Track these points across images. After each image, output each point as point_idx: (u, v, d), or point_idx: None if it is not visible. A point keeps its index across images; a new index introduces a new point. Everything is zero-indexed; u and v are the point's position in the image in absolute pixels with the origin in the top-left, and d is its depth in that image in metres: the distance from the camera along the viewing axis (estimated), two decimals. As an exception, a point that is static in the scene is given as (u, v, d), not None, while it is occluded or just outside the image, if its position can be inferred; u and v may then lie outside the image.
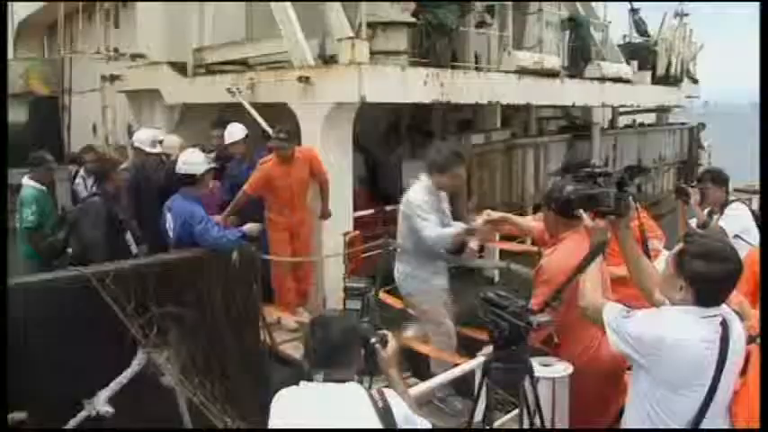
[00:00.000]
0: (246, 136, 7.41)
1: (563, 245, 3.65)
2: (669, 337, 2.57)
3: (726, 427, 2.65)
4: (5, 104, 8.30)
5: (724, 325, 2.60)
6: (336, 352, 2.60)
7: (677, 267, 2.66)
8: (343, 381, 2.57)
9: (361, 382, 2.70)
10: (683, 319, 2.60)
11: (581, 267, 3.12)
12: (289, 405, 2.59)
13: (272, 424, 2.60)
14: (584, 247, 3.20)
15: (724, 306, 2.66)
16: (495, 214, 4.63)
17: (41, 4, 13.26)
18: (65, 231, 6.41)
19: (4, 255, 5.59)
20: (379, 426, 2.48)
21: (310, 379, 2.62)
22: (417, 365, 6.50)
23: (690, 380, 2.58)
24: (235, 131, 7.49)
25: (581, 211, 3.19)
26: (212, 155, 6.84)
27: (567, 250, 3.55)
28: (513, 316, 2.58)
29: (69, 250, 6.32)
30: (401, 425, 2.54)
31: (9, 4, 9.70)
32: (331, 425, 2.48)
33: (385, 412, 2.51)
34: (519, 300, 2.79)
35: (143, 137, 7.38)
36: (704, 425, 2.59)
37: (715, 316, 2.60)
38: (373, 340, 2.79)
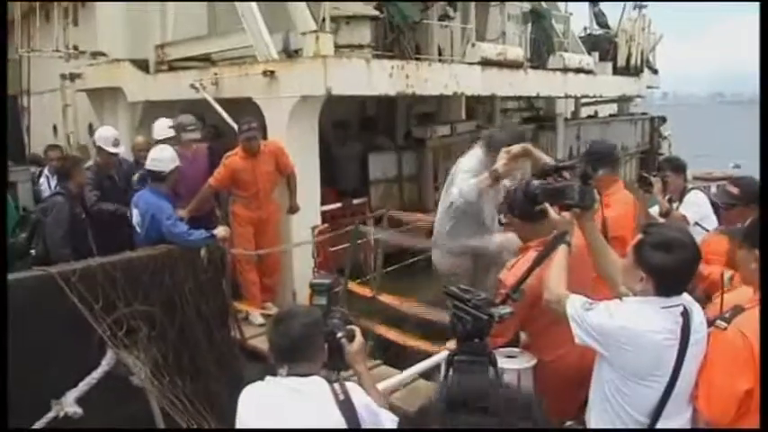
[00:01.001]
0: (172, 137, 6.97)
1: (525, 258, 3.48)
2: (630, 328, 2.61)
3: (688, 415, 2.69)
4: (5, 105, 8.13)
5: (685, 315, 2.63)
6: (298, 346, 2.63)
7: (636, 259, 2.70)
8: (307, 375, 2.59)
9: (331, 376, 2.71)
10: (644, 310, 2.64)
11: (540, 259, 3.15)
12: (253, 400, 2.63)
13: (238, 420, 2.63)
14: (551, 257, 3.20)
15: (685, 295, 2.70)
16: (516, 147, 4.42)
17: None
18: (27, 232, 6.30)
19: (4, 255, 5.50)
20: (340, 419, 2.52)
21: (275, 374, 2.65)
22: (389, 354, 6.56)
23: (651, 370, 2.62)
24: (160, 128, 7.28)
25: (546, 205, 3.23)
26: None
27: (527, 262, 3.40)
28: (474, 309, 2.56)
29: (33, 251, 6.21)
30: (363, 417, 2.57)
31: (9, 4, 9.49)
32: (292, 419, 2.51)
33: (346, 405, 2.54)
34: (481, 293, 2.82)
35: (105, 134, 7.27)
36: (666, 414, 2.62)
37: (676, 306, 2.63)
38: (340, 335, 2.80)
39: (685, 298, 2.69)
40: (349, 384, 2.65)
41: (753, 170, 5.81)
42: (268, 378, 2.66)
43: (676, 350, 2.60)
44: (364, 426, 2.58)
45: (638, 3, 14.60)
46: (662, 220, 5.74)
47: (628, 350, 2.61)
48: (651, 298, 2.63)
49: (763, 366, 2.45)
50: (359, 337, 2.86)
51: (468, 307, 2.54)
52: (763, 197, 3.36)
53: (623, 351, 2.62)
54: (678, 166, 5.88)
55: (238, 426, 2.63)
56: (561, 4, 13.88)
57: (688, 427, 2.69)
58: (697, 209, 5.44)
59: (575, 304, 2.82)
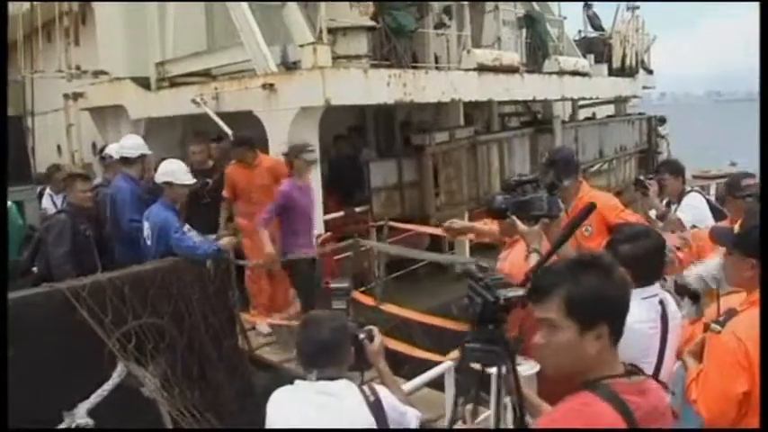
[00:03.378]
0: (142, 156, 6.92)
1: (517, 248, 3.65)
2: None
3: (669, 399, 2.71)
4: (5, 105, 8.26)
5: (662, 303, 2.81)
6: (327, 351, 2.69)
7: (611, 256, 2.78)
8: (335, 378, 2.66)
9: (355, 377, 2.79)
10: None
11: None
12: (284, 404, 2.69)
13: (269, 424, 2.68)
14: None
15: (657, 285, 2.86)
16: (459, 223, 4.80)
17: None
18: (30, 250, 6.41)
19: (5, 260, 5.60)
20: (370, 419, 2.59)
21: (303, 378, 2.71)
22: (395, 364, 6.63)
23: (639, 359, 2.62)
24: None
25: (514, 217, 3.31)
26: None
27: (520, 251, 3.54)
28: (485, 289, 2.39)
29: (35, 269, 6.32)
30: (390, 415, 2.65)
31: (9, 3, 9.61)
32: (327, 421, 2.57)
33: (376, 405, 2.62)
34: (499, 274, 2.83)
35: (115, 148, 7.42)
36: None
37: (653, 296, 2.80)
38: (361, 336, 2.87)
39: (658, 288, 2.86)
40: (377, 386, 2.72)
41: (750, 168, 5.86)
42: (297, 382, 2.72)
43: (659, 338, 2.73)
44: (393, 425, 2.66)
45: (631, 4, 14.70)
46: (660, 224, 5.82)
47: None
48: (632, 290, 2.69)
49: (763, 366, 2.44)
50: (378, 337, 2.93)
51: (480, 286, 2.35)
52: (763, 198, 3.36)
53: None
54: (676, 169, 5.90)
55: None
56: (555, 7, 14.01)
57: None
58: (694, 212, 5.45)
59: None
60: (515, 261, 3.55)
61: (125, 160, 6.73)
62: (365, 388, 2.66)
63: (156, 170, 6.48)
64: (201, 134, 7.72)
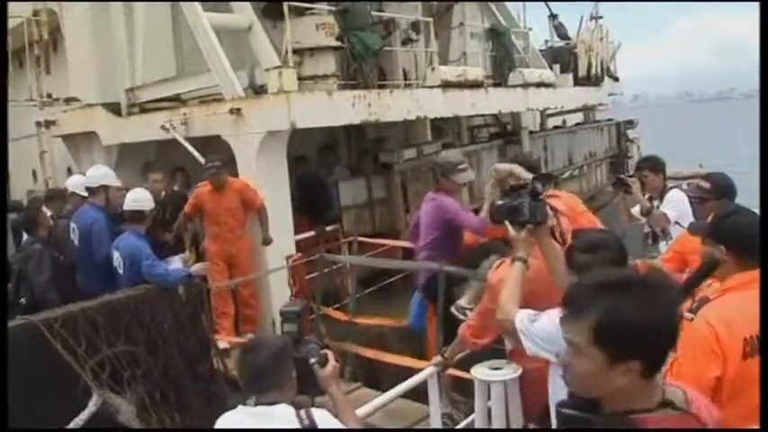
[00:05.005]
0: (84, 193, 7.19)
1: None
2: None
3: None
4: (6, 106, 8.29)
5: None
6: (264, 376, 2.67)
7: (568, 263, 2.84)
8: (275, 403, 2.63)
9: (305, 402, 2.77)
10: None
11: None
12: (221, 427, 2.71)
13: None
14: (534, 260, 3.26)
15: None
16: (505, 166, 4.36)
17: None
18: (13, 282, 6.50)
19: (5, 269, 5.68)
20: None
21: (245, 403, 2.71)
22: (369, 376, 6.77)
23: None
24: (74, 183, 7.58)
25: (507, 222, 3.32)
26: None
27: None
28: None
29: (22, 301, 6.41)
30: None
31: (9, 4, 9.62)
32: None
33: (310, 430, 2.59)
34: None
35: (77, 182, 7.54)
36: None
37: None
38: (312, 360, 2.87)
39: None
40: (316, 411, 2.67)
41: (725, 168, 5.96)
42: (239, 407, 2.72)
43: None
44: None
45: (594, 12, 15.02)
46: (643, 220, 5.94)
47: None
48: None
49: (763, 366, 2.40)
50: (332, 362, 2.91)
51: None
52: (762, 198, 3.41)
53: None
54: (656, 165, 5.93)
55: None
56: (521, 20, 14.26)
57: None
58: (676, 208, 5.48)
59: (522, 318, 2.91)
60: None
61: (89, 190, 7.00)
62: (302, 412, 2.62)
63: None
64: (159, 162, 7.94)
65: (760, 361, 2.44)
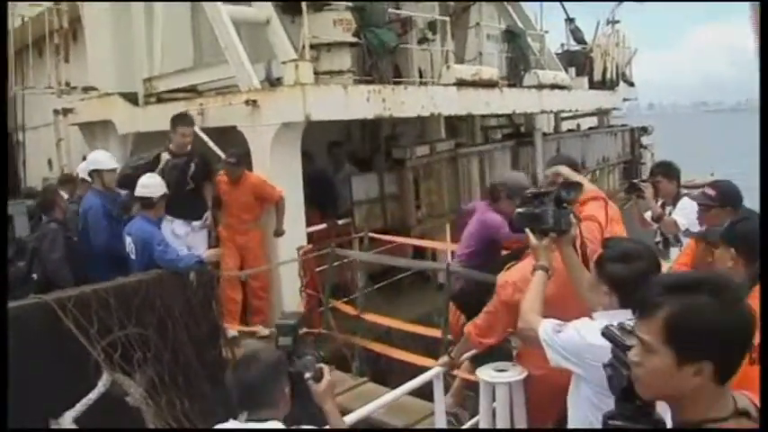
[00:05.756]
0: (114, 170, 7.14)
1: (523, 263, 3.59)
2: (599, 344, 2.32)
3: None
4: (5, 106, 8.39)
5: None
6: (257, 393, 2.61)
7: (598, 273, 2.74)
8: (266, 420, 2.57)
9: (300, 416, 2.73)
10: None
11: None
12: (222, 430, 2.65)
13: None
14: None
15: None
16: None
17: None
18: (26, 260, 6.60)
19: (5, 261, 5.77)
20: None
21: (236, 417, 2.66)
22: (376, 371, 6.81)
23: None
24: (103, 160, 7.25)
25: (528, 231, 3.26)
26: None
27: (523, 268, 3.51)
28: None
29: (34, 276, 6.50)
30: None
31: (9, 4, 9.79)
32: None
33: None
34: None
35: (83, 167, 7.64)
36: None
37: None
38: (307, 375, 2.79)
39: None
40: (306, 429, 2.66)
41: (735, 176, 5.94)
42: (230, 421, 2.67)
43: None
44: None
45: (611, 18, 15.02)
46: (655, 226, 5.93)
47: (599, 366, 2.44)
48: (617, 311, 2.59)
49: (763, 366, 2.37)
50: (327, 377, 2.84)
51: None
52: (763, 200, 3.43)
53: (596, 368, 2.44)
54: (670, 171, 5.91)
55: None
56: (537, 22, 14.27)
57: None
58: (689, 214, 5.38)
59: (546, 328, 2.82)
60: (525, 273, 3.42)
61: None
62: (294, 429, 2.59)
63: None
64: (186, 115, 7.64)
65: (760, 361, 2.40)
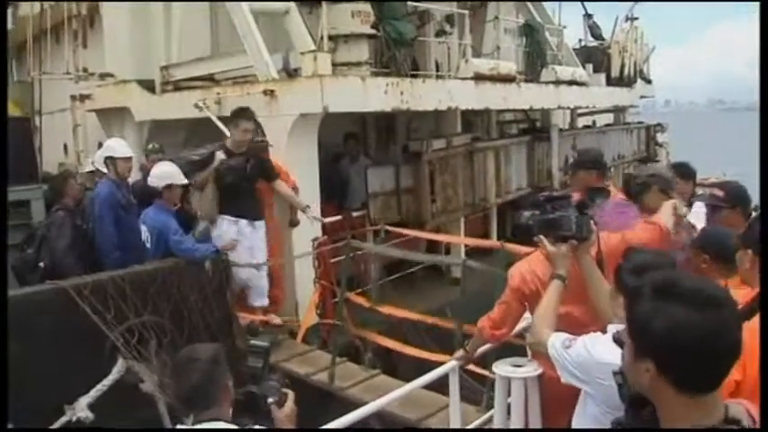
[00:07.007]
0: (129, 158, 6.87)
1: (530, 258, 3.55)
2: (608, 362, 2.39)
3: None
4: (6, 106, 8.42)
5: None
6: (199, 395, 2.56)
7: (617, 284, 2.68)
8: (214, 420, 2.54)
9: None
10: None
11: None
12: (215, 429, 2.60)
13: None
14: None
15: None
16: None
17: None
18: (34, 247, 6.63)
19: (5, 257, 5.81)
20: None
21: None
22: (387, 363, 6.80)
23: None
24: (118, 148, 6.90)
25: (541, 237, 3.18)
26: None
27: (534, 258, 3.49)
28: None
29: (41, 264, 6.53)
30: None
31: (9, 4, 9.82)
32: None
33: None
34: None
35: (99, 155, 7.63)
36: None
37: None
38: (270, 400, 2.74)
39: None
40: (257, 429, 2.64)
41: (746, 175, 5.88)
42: (178, 426, 2.66)
43: None
44: None
45: (630, 14, 14.89)
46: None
47: (607, 385, 2.37)
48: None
49: (763, 365, 2.35)
50: (290, 403, 2.79)
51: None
52: (762, 199, 3.37)
53: (604, 386, 2.48)
54: (686, 173, 5.82)
55: None
56: (556, 18, 14.18)
57: None
58: (699, 219, 5.17)
59: (555, 344, 2.77)
60: (531, 262, 3.37)
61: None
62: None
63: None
64: (248, 109, 7.17)
65: (760, 361, 2.38)
